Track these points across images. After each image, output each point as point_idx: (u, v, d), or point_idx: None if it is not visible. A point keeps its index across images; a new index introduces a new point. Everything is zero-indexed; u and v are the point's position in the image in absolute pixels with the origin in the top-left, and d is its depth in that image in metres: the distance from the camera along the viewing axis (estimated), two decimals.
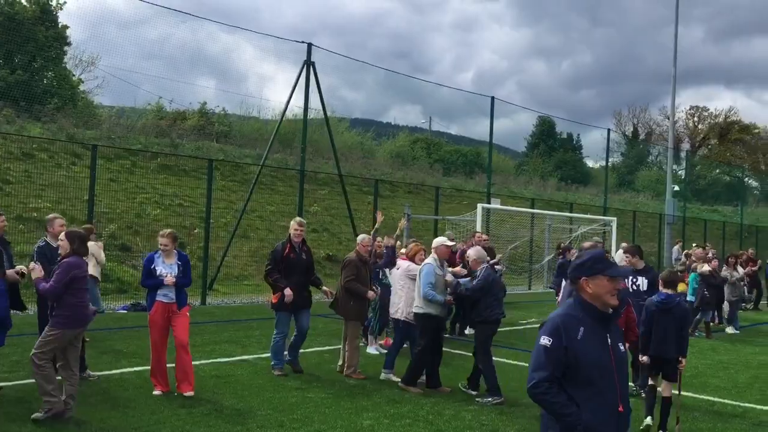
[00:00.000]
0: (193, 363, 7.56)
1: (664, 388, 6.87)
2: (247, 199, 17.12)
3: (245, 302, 16.04)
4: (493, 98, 21.52)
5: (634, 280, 8.40)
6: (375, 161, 37.04)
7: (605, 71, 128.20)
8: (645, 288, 8.31)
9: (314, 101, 17.40)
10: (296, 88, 16.65)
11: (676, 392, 7.02)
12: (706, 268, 14.18)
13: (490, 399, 7.75)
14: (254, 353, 9.83)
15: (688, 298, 13.32)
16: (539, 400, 3.33)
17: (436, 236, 21.08)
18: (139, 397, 7.19)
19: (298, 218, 8.75)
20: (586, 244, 7.00)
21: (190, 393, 7.22)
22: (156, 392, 7.30)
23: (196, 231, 18.69)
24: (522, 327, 13.89)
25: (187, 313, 7.48)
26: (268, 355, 8.97)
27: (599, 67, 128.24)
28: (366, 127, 44.51)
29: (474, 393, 8.03)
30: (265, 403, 7.21)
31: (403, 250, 11.45)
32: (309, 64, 16.17)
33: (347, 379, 8.50)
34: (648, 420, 6.85)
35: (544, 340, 3.34)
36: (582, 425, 3.22)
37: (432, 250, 8.32)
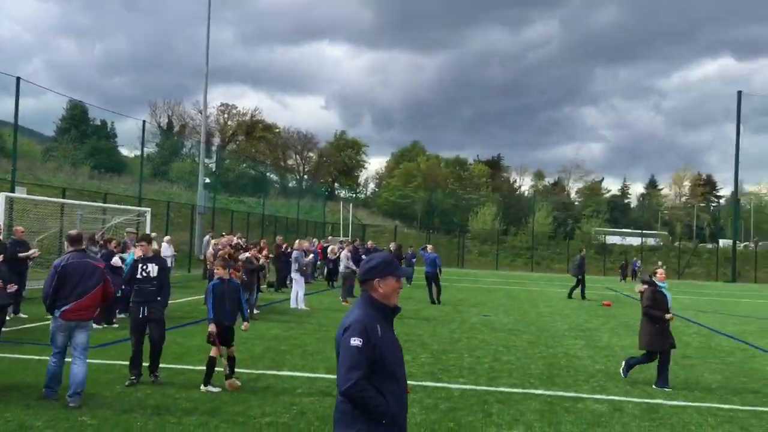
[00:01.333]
0: None
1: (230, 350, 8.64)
2: None
3: None
4: (18, 78, 19.87)
5: (144, 267, 8.92)
6: None
7: (141, 60, 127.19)
8: (155, 274, 8.91)
9: None
10: None
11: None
12: (245, 255, 16.05)
13: None
14: None
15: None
16: (357, 398, 3.47)
17: None
18: None
19: None
20: (75, 233, 7.94)
21: None
22: None
23: None
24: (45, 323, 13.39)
25: None
26: None
27: (135, 55, 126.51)
28: None
29: None
30: None
31: None
32: None
33: None
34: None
35: (356, 341, 3.50)
36: (390, 414, 3.52)
37: None
